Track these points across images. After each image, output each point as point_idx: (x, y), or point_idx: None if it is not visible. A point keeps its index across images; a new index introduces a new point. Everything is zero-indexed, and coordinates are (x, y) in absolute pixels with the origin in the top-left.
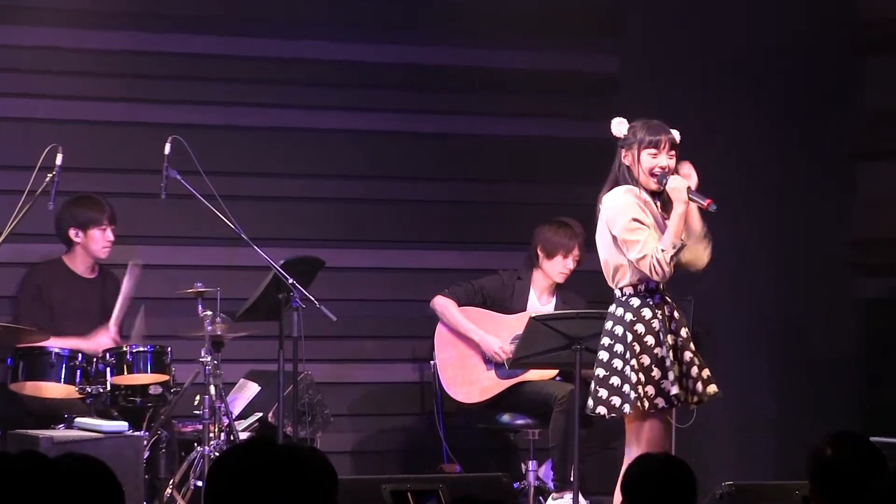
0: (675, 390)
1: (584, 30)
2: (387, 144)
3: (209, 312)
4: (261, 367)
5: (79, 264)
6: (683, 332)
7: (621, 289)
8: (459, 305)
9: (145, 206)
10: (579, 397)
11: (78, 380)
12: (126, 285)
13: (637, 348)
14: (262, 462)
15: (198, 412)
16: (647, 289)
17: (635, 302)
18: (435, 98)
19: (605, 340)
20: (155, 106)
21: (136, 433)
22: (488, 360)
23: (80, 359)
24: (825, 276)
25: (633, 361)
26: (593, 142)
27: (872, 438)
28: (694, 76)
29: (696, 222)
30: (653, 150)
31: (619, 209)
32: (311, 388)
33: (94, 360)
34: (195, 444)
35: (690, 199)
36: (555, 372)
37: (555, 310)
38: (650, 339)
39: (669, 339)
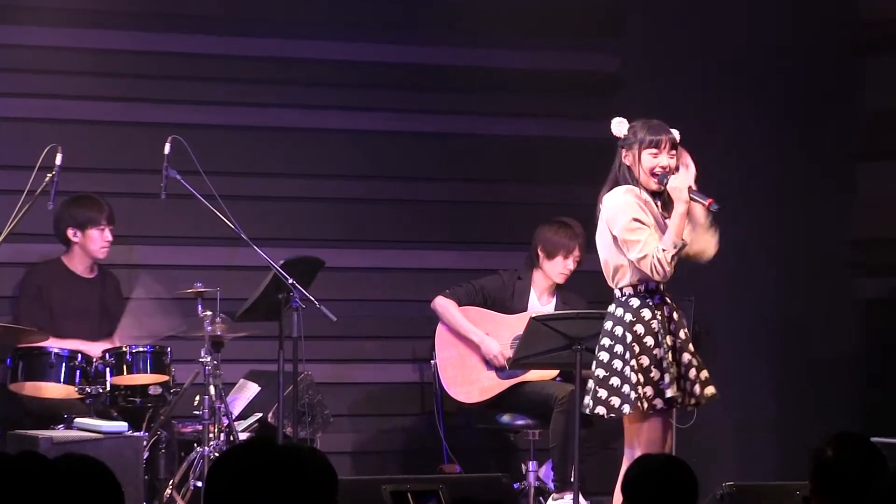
0: (670, 392)
1: (584, 30)
2: (387, 144)
3: (209, 312)
4: (261, 368)
5: (78, 264)
6: (682, 333)
7: (621, 289)
8: (460, 305)
9: (145, 206)
10: (579, 398)
11: (77, 380)
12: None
13: (636, 349)
14: (262, 462)
15: (197, 412)
16: (647, 289)
17: (635, 302)
18: (435, 98)
19: (605, 341)
20: (155, 106)
21: (135, 433)
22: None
23: (79, 359)
24: (825, 276)
25: (633, 362)
26: (593, 142)
27: (873, 439)
28: (694, 76)
29: (700, 212)
30: (654, 150)
31: (619, 209)
32: (310, 388)
33: (94, 360)
34: (195, 445)
35: (692, 198)
36: (555, 372)
37: (555, 310)
38: (649, 340)
39: (668, 340)
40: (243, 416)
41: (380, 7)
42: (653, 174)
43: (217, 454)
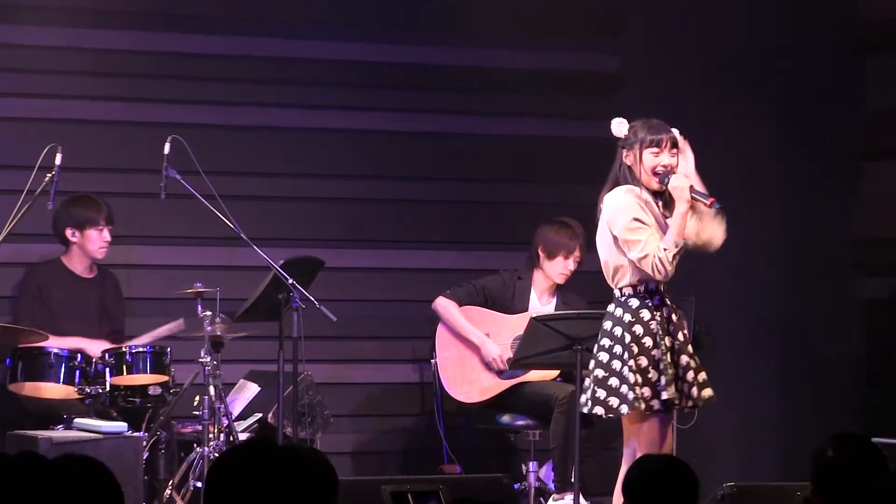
0: (666, 394)
1: (584, 30)
2: (387, 144)
3: (209, 313)
4: (260, 368)
5: (77, 264)
6: (681, 335)
7: (621, 289)
8: (461, 306)
9: (145, 206)
10: (579, 397)
11: (77, 380)
12: (159, 332)
13: (635, 349)
14: (262, 463)
15: (197, 413)
16: (647, 290)
17: (634, 303)
18: (435, 98)
19: (605, 341)
20: (154, 105)
21: (135, 434)
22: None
23: (79, 359)
24: (826, 276)
25: (631, 362)
26: (593, 142)
27: (874, 439)
28: (694, 76)
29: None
30: (655, 149)
31: (619, 209)
32: (310, 388)
33: (94, 360)
34: (194, 445)
35: (693, 197)
36: (556, 373)
37: (555, 310)
38: (648, 341)
39: (667, 341)
40: (243, 416)
41: (380, 7)
42: (654, 173)
43: (217, 455)
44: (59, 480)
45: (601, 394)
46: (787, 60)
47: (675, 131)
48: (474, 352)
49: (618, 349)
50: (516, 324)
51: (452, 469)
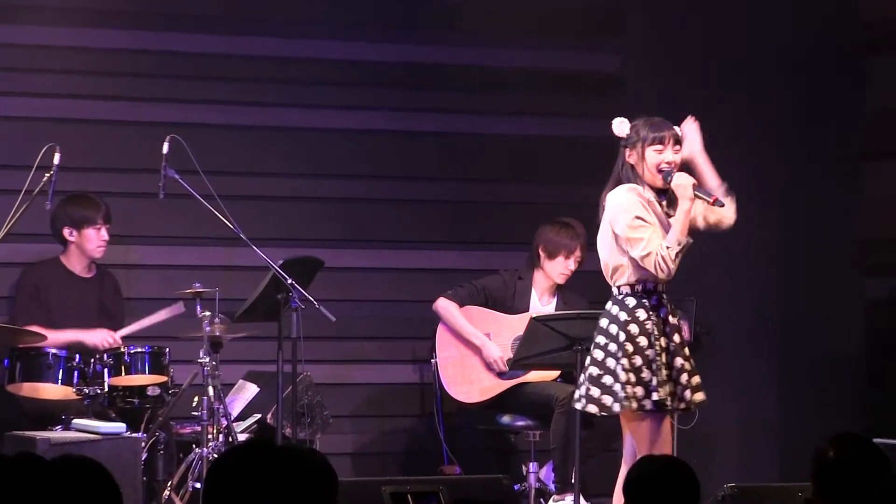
0: (656, 395)
1: (584, 30)
2: (387, 144)
3: (207, 313)
4: (260, 368)
5: (75, 263)
6: (677, 337)
7: (618, 287)
8: (462, 306)
9: (143, 206)
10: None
11: (75, 381)
12: (158, 316)
13: (629, 348)
14: (261, 464)
15: (196, 413)
16: (645, 290)
17: (631, 302)
18: (435, 97)
19: (601, 339)
20: (153, 105)
21: (133, 434)
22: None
23: (77, 360)
24: (826, 276)
25: (625, 361)
26: (594, 141)
27: (875, 440)
28: (694, 76)
29: (713, 180)
30: (658, 147)
31: (621, 208)
32: (310, 389)
33: (92, 360)
34: (193, 446)
35: (696, 195)
36: (556, 373)
37: (556, 310)
38: (643, 340)
39: (662, 341)
40: (242, 417)
41: (380, 6)
42: (659, 170)
43: (216, 455)
44: (57, 481)
45: (595, 392)
46: (787, 60)
47: (677, 129)
48: (475, 352)
49: (612, 347)
50: (517, 324)
51: (452, 470)
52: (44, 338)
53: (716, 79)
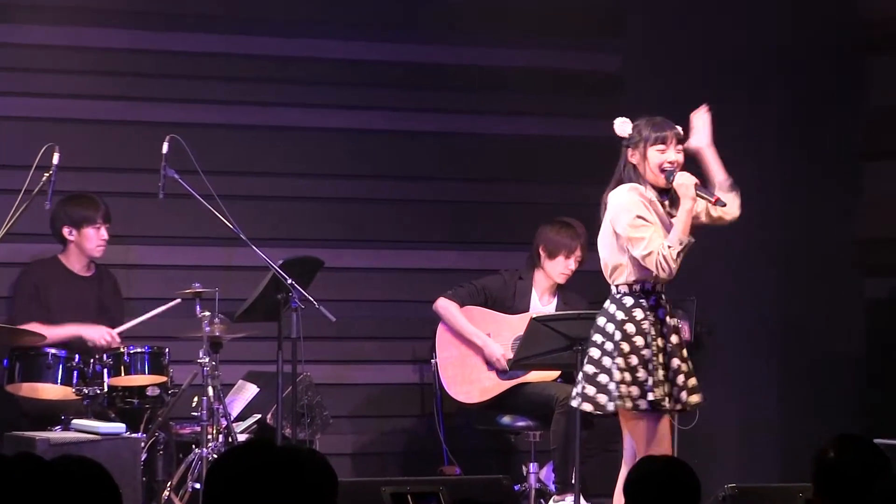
0: (652, 395)
1: (584, 29)
2: (387, 144)
3: (207, 313)
4: (259, 369)
5: (74, 263)
6: (674, 338)
7: (617, 286)
8: (462, 306)
9: (143, 206)
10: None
11: (75, 381)
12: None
13: (625, 347)
14: (261, 464)
15: (196, 414)
16: (643, 290)
17: (628, 301)
18: (435, 97)
19: (598, 337)
20: (153, 104)
21: (133, 435)
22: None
23: (77, 360)
24: (826, 275)
25: (620, 360)
26: (594, 141)
27: (875, 440)
28: (694, 76)
29: (720, 174)
30: (661, 146)
31: (622, 207)
32: (310, 389)
33: (92, 361)
34: (193, 446)
35: (698, 195)
36: (556, 373)
37: (556, 310)
38: (639, 340)
39: (659, 342)
40: (242, 417)
41: (380, 6)
42: (662, 170)
43: (215, 456)
44: (56, 482)
45: (590, 390)
46: (787, 60)
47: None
48: (475, 352)
49: (609, 346)
50: (517, 324)
51: (452, 470)
52: (43, 337)
53: (716, 79)
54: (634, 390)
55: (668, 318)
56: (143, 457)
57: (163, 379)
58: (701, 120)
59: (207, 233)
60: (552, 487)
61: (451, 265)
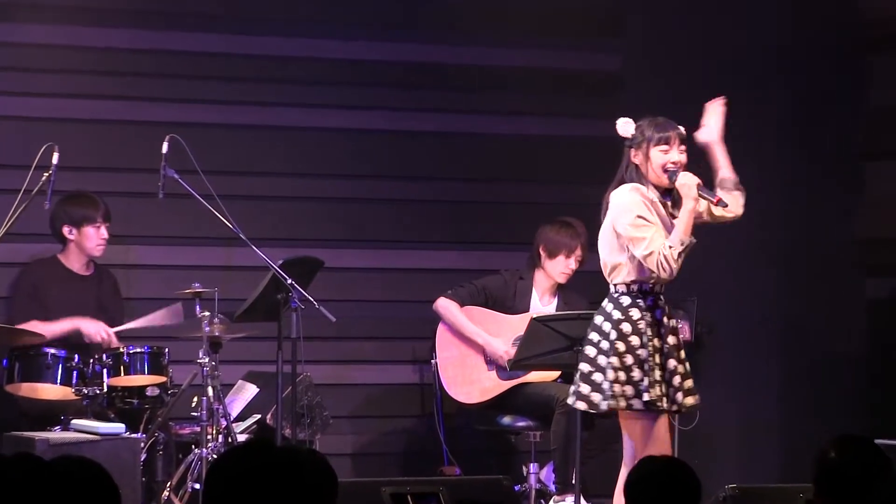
0: (647, 396)
1: (584, 29)
2: (386, 143)
3: (207, 313)
4: (259, 369)
5: (74, 262)
6: (671, 339)
7: (615, 286)
8: (462, 306)
9: (142, 206)
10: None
11: (74, 381)
12: (155, 319)
13: (620, 347)
14: (261, 464)
15: (195, 414)
16: (641, 290)
17: (625, 301)
18: (435, 97)
19: (594, 336)
20: (153, 104)
21: (133, 435)
22: (490, 361)
23: (76, 360)
24: (827, 276)
25: (615, 359)
26: (594, 141)
27: (876, 441)
28: (694, 76)
29: (727, 170)
30: (664, 147)
31: (624, 207)
32: (309, 389)
33: (91, 361)
34: (193, 447)
35: (700, 195)
36: (557, 374)
37: (556, 310)
38: (635, 340)
39: (656, 342)
40: (242, 417)
41: (380, 6)
42: (665, 170)
43: (215, 456)
44: (56, 482)
45: (585, 389)
46: (787, 60)
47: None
48: (476, 351)
49: (604, 345)
50: (517, 324)
51: (452, 471)
52: (42, 337)
53: (716, 79)
54: (628, 390)
55: (665, 319)
56: (143, 457)
57: (162, 379)
58: (715, 113)
59: (207, 233)
60: (552, 488)
61: (451, 265)
